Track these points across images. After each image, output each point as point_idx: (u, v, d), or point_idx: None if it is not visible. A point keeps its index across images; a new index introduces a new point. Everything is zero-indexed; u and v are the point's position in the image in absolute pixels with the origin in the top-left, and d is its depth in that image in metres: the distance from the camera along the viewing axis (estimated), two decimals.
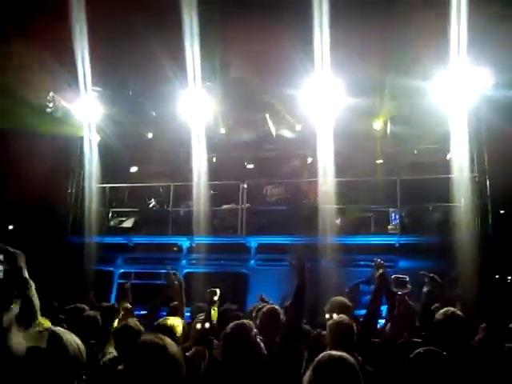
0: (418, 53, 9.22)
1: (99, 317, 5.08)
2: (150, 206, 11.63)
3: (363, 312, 8.70)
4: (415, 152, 11.07)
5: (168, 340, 2.60)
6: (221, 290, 4.64)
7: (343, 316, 4.53)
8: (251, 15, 10.37)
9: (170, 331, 4.50)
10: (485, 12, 8.79)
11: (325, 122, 11.01)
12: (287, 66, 10.33)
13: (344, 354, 2.72)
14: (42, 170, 11.30)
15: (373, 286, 5.45)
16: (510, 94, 8.53)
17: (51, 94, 12.06)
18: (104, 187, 11.44)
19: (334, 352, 2.77)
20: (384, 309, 6.06)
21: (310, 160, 12.27)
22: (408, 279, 5.26)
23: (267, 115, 11.45)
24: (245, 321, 3.93)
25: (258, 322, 4.74)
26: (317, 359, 2.70)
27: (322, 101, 10.55)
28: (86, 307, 5.48)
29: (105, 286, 10.21)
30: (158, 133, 12.26)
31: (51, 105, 11.87)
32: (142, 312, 6.60)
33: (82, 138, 11.90)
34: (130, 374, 2.52)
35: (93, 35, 11.04)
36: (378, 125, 10.69)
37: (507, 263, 8.43)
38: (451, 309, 4.27)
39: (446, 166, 10.02)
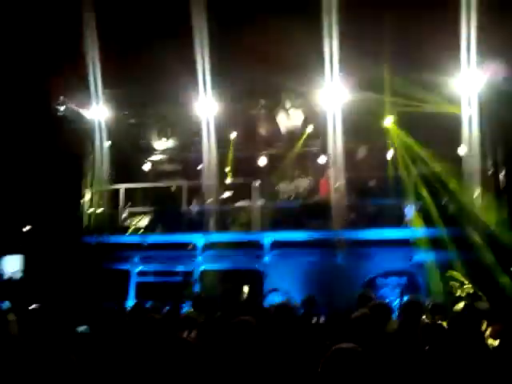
0: (430, 47, 9.26)
1: None
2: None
3: None
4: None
5: None
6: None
7: None
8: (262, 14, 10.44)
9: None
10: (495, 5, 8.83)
11: (336, 117, 11.14)
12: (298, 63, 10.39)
13: None
14: (57, 171, 11.44)
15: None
16: None
17: (61, 97, 12.21)
18: (118, 188, 11.54)
19: None
20: None
21: (322, 156, 12.31)
22: None
23: (279, 111, 11.53)
24: None
25: None
26: None
27: (333, 97, 10.64)
28: None
29: (123, 285, 10.30)
30: (170, 132, 12.34)
31: (62, 108, 12.00)
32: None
33: (94, 139, 11.99)
34: None
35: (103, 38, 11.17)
36: (388, 120, 10.73)
37: None
38: None
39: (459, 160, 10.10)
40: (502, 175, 9.29)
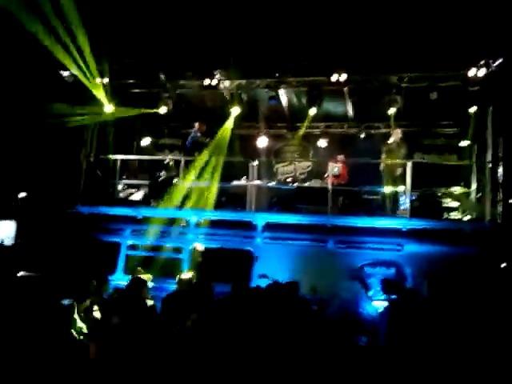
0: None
1: None
2: (160, 178, 11.61)
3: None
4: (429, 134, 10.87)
5: None
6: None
7: None
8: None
9: None
10: None
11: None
12: None
13: None
14: (55, 139, 11.38)
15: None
16: None
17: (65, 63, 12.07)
18: (115, 159, 11.43)
19: None
20: None
21: (322, 140, 12.15)
22: None
23: (281, 91, 11.31)
24: None
25: None
26: None
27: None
28: None
29: (112, 257, 10.30)
30: (172, 106, 12.19)
31: (66, 73, 11.86)
32: None
33: (95, 109, 11.88)
34: None
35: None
36: (392, 109, 10.49)
37: None
38: None
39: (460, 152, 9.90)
40: (500, 170, 9.07)
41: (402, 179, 9.77)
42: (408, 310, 5.44)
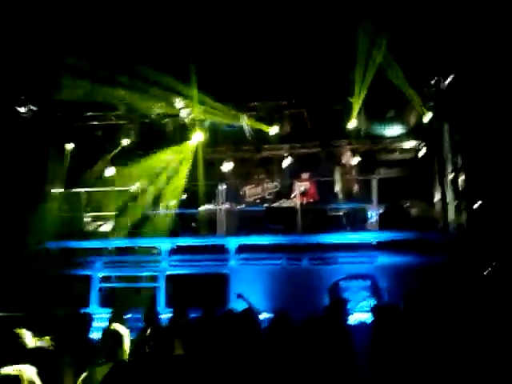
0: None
1: None
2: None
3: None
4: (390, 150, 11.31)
5: None
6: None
7: None
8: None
9: None
10: None
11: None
12: None
13: None
14: (15, 176, 11.14)
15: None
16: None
17: (22, 98, 11.95)
18: (79, 192, 11.31)
19: None
20: None
21: (287, 159, 12.38)
22: None
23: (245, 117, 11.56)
24: None
25: None
26: None
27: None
28: None
29: (84, 290, 10.12)
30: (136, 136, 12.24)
31: (23, 109, 11.73)
32: None
33: (54, 143, 11.79)
34: None
35: None
36: (352, 124, 10.83)
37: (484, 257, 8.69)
38: None
39: (420, 163, 10.32)
40: (461, 179, 9.53)
41: (360, 195, 10.22)
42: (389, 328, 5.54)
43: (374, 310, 6.20)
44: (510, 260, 8.14)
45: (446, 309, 6.04)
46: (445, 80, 9.95)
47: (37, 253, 10.50)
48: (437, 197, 9.92)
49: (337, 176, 11.48)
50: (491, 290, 7.95)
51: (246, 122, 11.75)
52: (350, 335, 5.43)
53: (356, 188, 10.78)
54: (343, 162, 11.23)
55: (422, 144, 10.94)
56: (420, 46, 9.17)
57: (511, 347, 4.24)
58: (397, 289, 8.40)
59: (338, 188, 11.27)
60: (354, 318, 7.09)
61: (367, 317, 6.60)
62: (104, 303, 9.73)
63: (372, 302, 8.70)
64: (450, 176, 9.63)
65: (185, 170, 11.71)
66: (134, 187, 12.17)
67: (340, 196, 11.18)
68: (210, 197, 11.31)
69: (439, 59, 9.51)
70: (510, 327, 4.62)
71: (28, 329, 5.90)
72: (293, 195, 10.99)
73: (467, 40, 8.60)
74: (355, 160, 10.68)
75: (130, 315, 8.14)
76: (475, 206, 9.16)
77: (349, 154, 11.20)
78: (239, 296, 8.86)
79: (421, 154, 11.13)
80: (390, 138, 11.24)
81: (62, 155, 12.09)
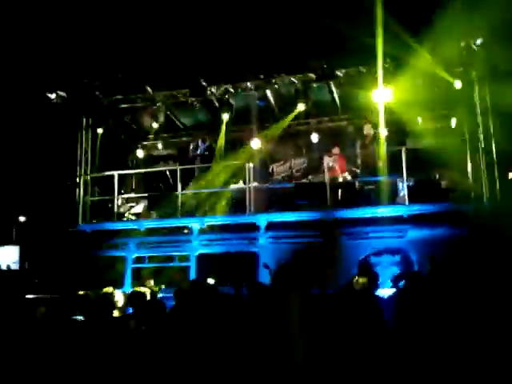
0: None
1: None
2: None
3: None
4: (419, 120, 10.97)
5: None
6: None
7: None
8: None
9: None
10: None
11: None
12: None
13: None
14: (51, 159, 11.43)
15: None
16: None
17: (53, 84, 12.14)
18: (112, 174, 11.47)
19: None
20: None
21: (315, 134, 12.24)
22: None
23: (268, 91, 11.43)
24: None
25: None
26: None
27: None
28: None
29: (119, 271, 10.37)
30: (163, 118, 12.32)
31: (53, 96, 11.92)
32: None
33: (87, 126, 11.97)
34: None
35: None
36: (379, 95, 10.55)
37: None
38: None
39: (452, 133, 10.01)
40: (493, 147, 9.21)
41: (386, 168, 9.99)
42: (415, 294, 5.54)
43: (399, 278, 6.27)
44: None
45: (471, 279, 5.94)
46: (475, 43, 9.56)
47: (71, 235, 10.76)
48: (469, 167, 9.62)
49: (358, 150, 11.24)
50: None
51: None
52: (379, 304, 5.44)
53: (376, 161, 10.45)
54: (364, 133, 10.94)
55: (453, 112, 10.57)
56: (447, 9, 8.81)
57: None
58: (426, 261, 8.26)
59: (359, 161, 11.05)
60: (383, 292, 7.04)
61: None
62: (138, 283, 9.92)
63: None
64: (482, 145, 9.31)
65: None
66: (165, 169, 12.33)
67: (359, 169, 10.96)
68: (239, 176, 11.32)
69: (468, 23, 9.12)
70: None
71: (62, 310, 6.13)
72: (322, 170, 10.87)
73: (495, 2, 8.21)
74: (383, 132, 10.41)
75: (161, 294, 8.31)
76: (510, 176, 8.86)
77: (369, 125, 10.88)
78: (265, 266, 8.87)
79: (452, 122, 10.78)
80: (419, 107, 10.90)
81: (95, 139, 12.23)
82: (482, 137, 9.42)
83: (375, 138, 10.47)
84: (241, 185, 11.23)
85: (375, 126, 10.52)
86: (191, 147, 12.35)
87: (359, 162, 10.94)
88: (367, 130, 10.86)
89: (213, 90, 11.60)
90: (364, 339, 4.81)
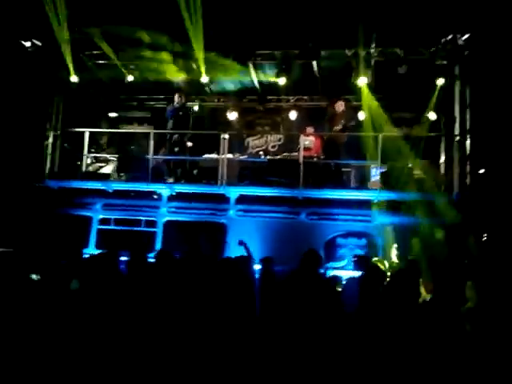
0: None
1: None
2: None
3: (337, 264, 9.02)
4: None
5: None
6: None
7: None
8: None
9: None
10: None
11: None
12: None
13: None
14: (19, 112, 11.02)
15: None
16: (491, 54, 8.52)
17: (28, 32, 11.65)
18: (83, 132, 11.15)
19: None
20: None
21: (293, 112, 12.18)
22: None
23: (250, 64, 11.23)
24: None
25: None
26: None
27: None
28: None
29: (83, 231, 10.20)
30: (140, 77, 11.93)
31: (28, 44, 11.44)
32: None
33: (60, 80, 11.54)
34: None
35: None
36: (361, 80, 10.54)
37: (482, 221, 8.64)
38: None
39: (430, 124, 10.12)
40: (468, 143, 9.35)
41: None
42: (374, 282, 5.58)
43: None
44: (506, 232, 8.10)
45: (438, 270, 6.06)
46: (461, 37, 9.60)
47: (37, 190, 10.49)
48: (442, 159, 9.75)
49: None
50: (487, 255, 7.95)
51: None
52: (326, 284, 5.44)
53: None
54: (335, 109, 10.77)
55: (432, 104, 10.65)
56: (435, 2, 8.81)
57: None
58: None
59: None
60: (346, 274, 7.14)
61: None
62: (101, 245, 9.78)
63: None
64: (457, 138, 9.44)
65: None
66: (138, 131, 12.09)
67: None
68: (214, 146, 11.18)
69: (454, 17, 9.15)
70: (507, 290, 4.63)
71: (18, 265, 5.97)
72: (297, 148, 10.84)
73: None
74: (361, 116, 10.39)
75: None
76: (480, 171, 9.02)
77: (341, 102, 10.77)
78: (241, 243, 8.85)
79: (432, 114, 10.87)
80: (399, 95, 10.95)
81: (68, 93, 11.81)
82: (457, 131, 9.54)
83: (347, 117, 10.45)
84: (214, 155, 11.11)
85: (355, 110, 10.53)
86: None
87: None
88: (338, 106, 10.74)
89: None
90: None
